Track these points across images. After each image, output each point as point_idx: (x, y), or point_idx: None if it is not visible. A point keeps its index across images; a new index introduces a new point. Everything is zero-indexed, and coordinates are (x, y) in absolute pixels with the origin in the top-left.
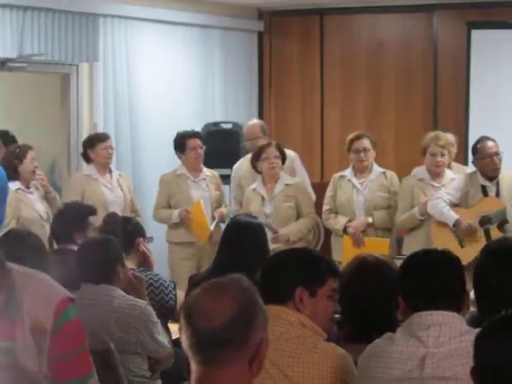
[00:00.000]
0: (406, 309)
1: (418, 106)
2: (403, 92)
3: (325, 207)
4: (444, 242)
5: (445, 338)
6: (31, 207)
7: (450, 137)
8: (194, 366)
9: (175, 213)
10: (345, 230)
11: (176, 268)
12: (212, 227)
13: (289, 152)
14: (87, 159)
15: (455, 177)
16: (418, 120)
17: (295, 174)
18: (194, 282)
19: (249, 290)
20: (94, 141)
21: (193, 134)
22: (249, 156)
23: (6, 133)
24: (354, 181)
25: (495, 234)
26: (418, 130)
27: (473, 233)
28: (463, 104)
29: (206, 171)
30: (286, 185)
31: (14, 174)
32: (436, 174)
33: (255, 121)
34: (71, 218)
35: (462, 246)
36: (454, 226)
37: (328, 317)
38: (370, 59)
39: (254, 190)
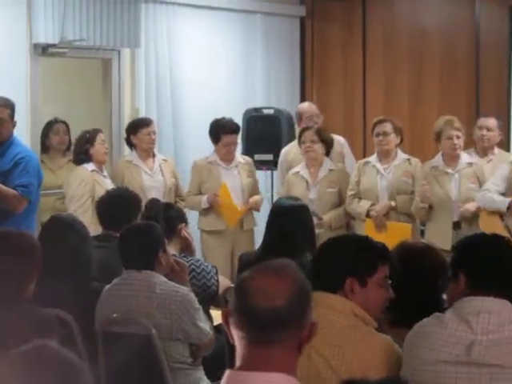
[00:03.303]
0: (466, 288)
1: (461, 90)
2: (446, 77)
3: (349, 192)
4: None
5: (493, 325)
6: (105, 189)
7: (492, 122)
8: (242, 346)
9: (204, 198)
10: (367, 214)
11: (209, 255)
12: (239, 209)
13: (338, 138)
14: (130, 145)
15: (472, 161)
16: (461, 104)
17: (344, 159)
18: (244, 261)
19: (301, 272)
20: (137, 126)
21: (231, 131)
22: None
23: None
24: (378, 166)
25: None
26: (461, 115)
27: None
28: (506, 89)
29: (239, 158)
30: (330, 170)
31: (86, 158)
32: (451, 158)
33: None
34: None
35: None
36: (508, 209)
37: (380, 305)
38: (413, 44)
39: (297, 173)
